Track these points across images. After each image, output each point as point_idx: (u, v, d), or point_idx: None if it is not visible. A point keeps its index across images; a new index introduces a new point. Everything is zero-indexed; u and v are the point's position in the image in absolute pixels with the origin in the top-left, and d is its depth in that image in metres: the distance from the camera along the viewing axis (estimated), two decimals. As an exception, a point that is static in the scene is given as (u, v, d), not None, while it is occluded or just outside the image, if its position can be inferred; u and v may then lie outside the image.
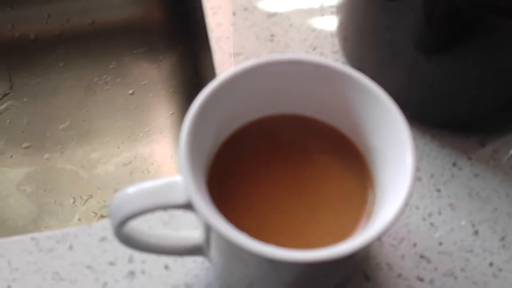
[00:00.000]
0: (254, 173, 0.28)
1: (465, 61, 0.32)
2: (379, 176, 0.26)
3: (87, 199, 0.52)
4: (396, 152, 0.24)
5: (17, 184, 0.53)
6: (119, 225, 0.24)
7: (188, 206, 0.24)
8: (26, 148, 0.55)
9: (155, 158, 0.54)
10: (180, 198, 0.24)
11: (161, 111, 0.58)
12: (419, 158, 0.36)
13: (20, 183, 0.53)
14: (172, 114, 0.58)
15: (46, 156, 0.54)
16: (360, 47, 0.38)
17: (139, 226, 0.27)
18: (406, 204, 0.22)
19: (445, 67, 0.34)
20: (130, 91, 0.59)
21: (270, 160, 0.28)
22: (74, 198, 0.52)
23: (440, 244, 0.33)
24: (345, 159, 0.28)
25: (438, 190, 0.35)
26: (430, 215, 0.34)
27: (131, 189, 0.24)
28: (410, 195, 0.22)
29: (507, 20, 0.29)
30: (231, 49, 0.41)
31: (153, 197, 0.24)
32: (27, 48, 0.60)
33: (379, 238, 0.22)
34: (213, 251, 0.27)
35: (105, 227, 0.33)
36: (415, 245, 0.33)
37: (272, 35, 0.41)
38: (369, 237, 0.21)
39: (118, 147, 0.55)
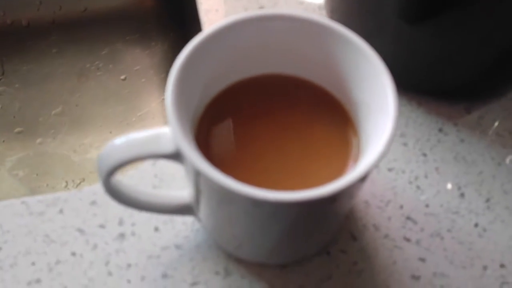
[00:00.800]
0: (241, 128, 0.28)
1: (449, 27, 0.33)
2: (362, 127, 0.27)
3: (79, 183, 0.52)
4: (379, 101, 0.25)
5: (9, 169, 0.53)
6: (107, 174, 0.25)
7: (175, 156, 0.24)
8: (18, 133, 0.55)
9: (147, 143, 0.55)
10: (168, 147, 0.24)
11: (153, 97, 0.58)
12: (405, 124, 0.37)
13: (13, 168, 0.53)
14: (164, 99, 0.58)
15: (38, 141, 0.55)
16: (347, 18, 0.39)
17: (129, 184, 0.28)
18: (389, 146, 0.23)
19: (429, 35, 0.34)
20: (122, 77, 0.59)
21: (257, 116, 0.29)
22: (66, 182, 0.52)
23: (427, 206, 0.34)
24: (330, 114, 0.28)
25: (424, 155, 0.35)
26: (416, 178, 0.35)
27: (119, 140, 0.25)
28: (392, 137, 0.23)
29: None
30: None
31: (141, 147, 0.24)
32: (20, 34, 0.61)
33: (361, 180, 0.22)
34: (202, 208, 0.28)
35: (96, 191, 0.33)
36: (401, 207, 0.33)
37: (261, 7, 0.42)
38: (350, 178, 0.22)
39: (110, 132, 0.56)
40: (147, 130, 0.25)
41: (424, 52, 0.35)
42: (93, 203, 0.33)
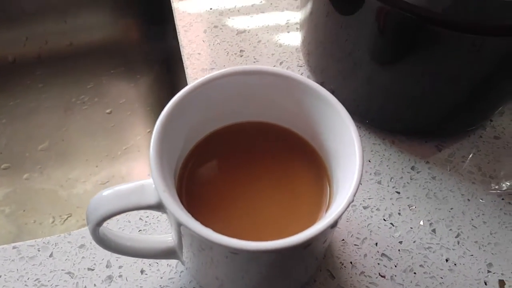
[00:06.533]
0: (221, 176, 0.30)
1: (417, 70, 0.35)
2: (334, 175, 0.28)
3: (67, 218, 0.52)
4: (346, 150, 0.26)
5: (-4, 205, 0.53)
6: (95, 225, 0.26)
7: (159, 206, 0.26)
8: (5, 169, 0.56)
9: (132, 176, 0.56)
10: (151, 199, 0.26)
11: (139, 130, 0.59)
12: (379, 162, 0.38)
13: (-1, 204, 0.53)
14: (149, 132, 0.59)
15: (25, 176, 0.55)
16: (322, 61, 0.41)
17: (115, 230, 0.29)
18: (353, 196, 0.24)
19: (399, 77, 0.36)
20: (108, 110, 0.60)
21: (237, 163, 0.30)
22: (53, 217, 0.52)
23: (400, 242, 0.35)
24: (306, 160, 0.30)
25: (398, 192, 0.37)
26: (390, 215, 0.36)
27: (106, 192, 0.26)
28: (355, 191, 0.24)
29: (451, 32, 0.31)
30: (203, 65, 0.43)
31: (126, 199, 0.26)
32: (6, 70, 0.61)
33: (330, 227, 0.24)
34: (185, 252, 0.29)
35: (84, 235, 0.35)
36: (376, 244, 0.35)
37: (241, 51, 0.43)
38: (319, 227, 0.23)
39: (96, 166, 0.56)
40: (132, 182, 0.27)
41: (396, 93, 0.37)
42: (82, 246, 0.34)
